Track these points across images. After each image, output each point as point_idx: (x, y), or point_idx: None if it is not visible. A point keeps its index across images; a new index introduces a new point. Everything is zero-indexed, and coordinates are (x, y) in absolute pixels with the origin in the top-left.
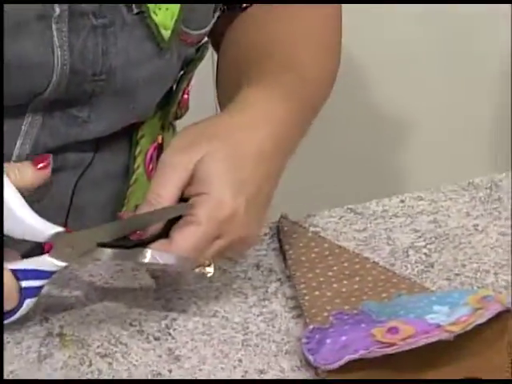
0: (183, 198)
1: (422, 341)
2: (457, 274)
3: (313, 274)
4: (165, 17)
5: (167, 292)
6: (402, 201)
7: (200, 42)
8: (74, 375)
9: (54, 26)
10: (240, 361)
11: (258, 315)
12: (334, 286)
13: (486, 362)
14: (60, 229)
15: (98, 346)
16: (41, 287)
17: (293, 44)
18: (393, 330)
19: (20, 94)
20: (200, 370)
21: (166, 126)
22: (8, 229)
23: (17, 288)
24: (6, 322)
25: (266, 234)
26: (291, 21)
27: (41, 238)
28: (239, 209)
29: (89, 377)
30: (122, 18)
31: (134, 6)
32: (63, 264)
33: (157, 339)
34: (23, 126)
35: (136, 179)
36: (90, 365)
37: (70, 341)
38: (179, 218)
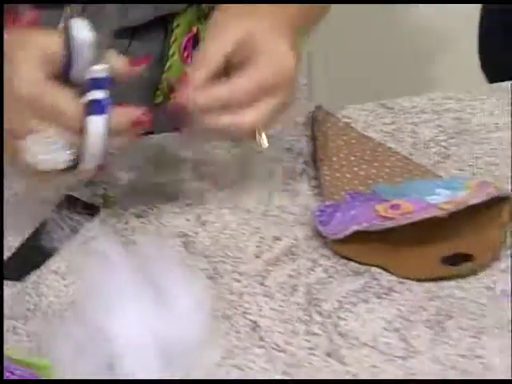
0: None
1: (418, 216)
2: (470, 165)
3: (337, 158)
4: None
5: (203, 168)
6: (431, 99)
7: None
8: (109, 230)
9: None
10: (258, 228)
11: (282, 191)
12: (355, 169)
13: (478, 241)
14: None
15: (135, 208)
16: (104, 102)
17: None
18: (394, 207)
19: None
20: (222, 233)
21: (201, 17)
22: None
23: (76, 101)
24: (84, 162)
25: (300, 122)
26: None
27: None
28: (296, 68)
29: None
30: None
31: None
32: (103, 67)
33: (188, 205)
34: (64, 13)
35: (170, 65)
36: (126, 223)
37: (112, 202)
38: None
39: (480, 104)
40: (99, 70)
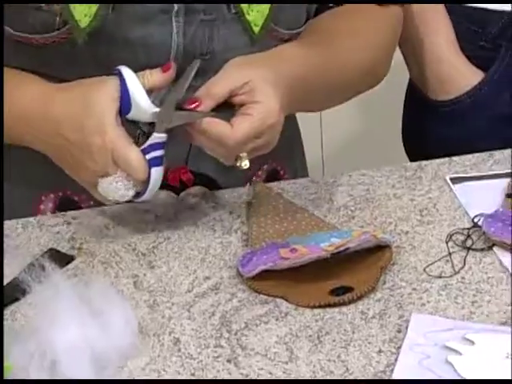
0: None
1: (308, 257)
2: (368, 224)
3: (264, 218)
4: (256, 17)
5: (162, 226)
6: (350, 175)
7: (291, 39)
8: (78, 273)
9: (173, 19)
10: (195, 271)
11: (218, 243)
12: (276, 226)
13: (360, 277)
14: (157, 109)
15: (102, 257)
16: (162, 157)
17: (337, 28)
18: (293, 250)
19: (149, 64)
20: (166, 275)
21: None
22: (133, 115)
23: (144, 161)
24: (143, 197)
25: (244, 193)
26: (351, 14)
27: (148, 118)
28: (281, 120)
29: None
30: (223, 15)
31: (232, 6)
32: (163, 135)
33: (143, 254)
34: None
35: None
36: (93, 267)
37: (84, 253)
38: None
39: (385, 179)
40: (160, 137)
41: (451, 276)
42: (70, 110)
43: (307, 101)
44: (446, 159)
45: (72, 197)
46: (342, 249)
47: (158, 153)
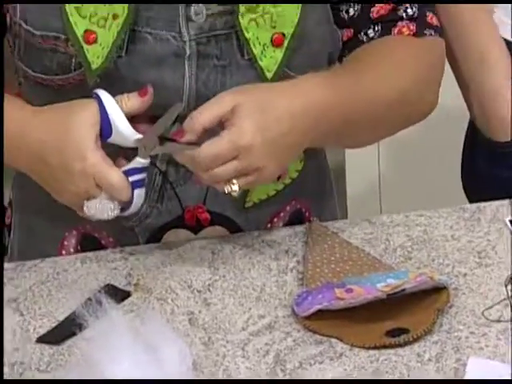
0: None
1: (364, 298)
2: (425, 265)
3: (320, 258)
4: (269, 62)
5: (217, 264)
6: (407, 215)
7: None
8: (134, 309)
9: (186, 63)
10: (250, 309)
11: (274, 282)
12: (332, 266)
13: (416, 319)
14: (139, 136)
15: (158, 293)
16: (143, 179)
17: (369, 61)
18: (349, 290)
19: (158, 109)
20: (221, 312)
21: None
22: (114, 140)
23: (127, 182)
24: (126, 213)
25: (300, 231)
26: (383, 48)
27: (132, 144)
28: (256, 141)
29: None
30: (236, 61)
31: (245, 52)
32: (146, 161)
33: (198, 291)
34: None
35: None
36: (149, 302)
37: (141, 289)
38: None
39: (443, 220)
40: (142, 163)
41: (511, 320)
42: (49, 135)
43: (334, 132)
44: (506, 201)
45: (93, 234)
46: (398, 290)
47: (141, 176)
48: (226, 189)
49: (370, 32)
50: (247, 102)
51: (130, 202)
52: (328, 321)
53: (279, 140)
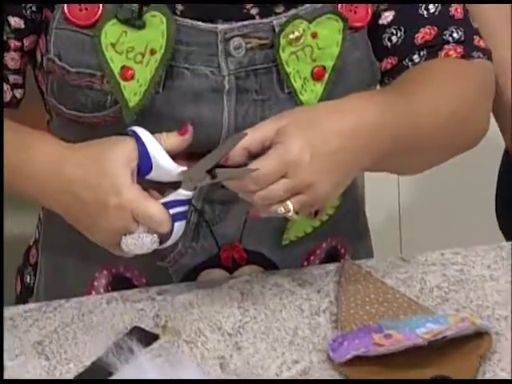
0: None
1: (404, 345)
2: (463, 307)
3: (354, 299)
4: (309, 97)
5: (247, 304)
6: (442, 254)
7: None
8: (163, 353)
9: (224, 98)
10: (283, 354)
11: (307, 324)
12: (367, 307)
13: (458, 366)
14: (183, 168)
15: (187, 336)
16: (185, 212)
17: (419, 81)
18: (387, 336)
19: (199, 144)
20: (253, 357)
21: None
22: (154, 176)
23: (167, 215)
24: (164, 245)
25: (332, 270)
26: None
27: (174, 178)
28: (304, 156)
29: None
30: (276, 95)
31: (285, 86)
32: (190, 193)
33: (229, 334)
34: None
35: None
36: (178, 346)
37: (170, 331)
38: None
39: (480, 259)
40: (186, 195)
41: None
42: (84, 169)
43: (385, 154)
44: None
45: (125, 274)
46: (439, 337)
47: (182, 208)
48: (281, 210)
49: (416, 57)
50: (292, 122)
51: (170, 234)
52: (366, 367)
53: (329, 157)
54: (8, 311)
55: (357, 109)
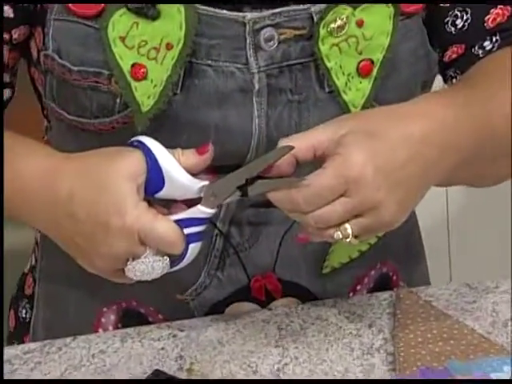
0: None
1: None
2: None
3: (413, 335)
4: (355, 96)
5: (287, 342)
6: None
7: None
8: None
9: (254, 99)
10: None
11: (358, 366)
12: (430, 346)
13: None
14: (205, 182)
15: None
16: (201, 233)
17: (499, 73)
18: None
19: (224, 155)
20: None
21: None
22: (166, 193)
23: (181, 234)
24: (175, 268)
25: (384, 300)
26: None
27: (193, 194)
28: (366, 173)
29: None
30: (315, 95)
31: (325, 84)
32: (211, 211)
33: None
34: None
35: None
36: None
37: (195, 374)
38: None
39: None
40: (206, 213)
41: None
42: (79, 183)
43: (465, 163)
44: None
45: (138, 309)
46: None
47: (199, 228)
48: (338, 235)
49: (487, 44)
50: (352, 130)
51: (183, 256)
52: None
53: (395, 172)
54: (5, 353)
55: (426, 113)
